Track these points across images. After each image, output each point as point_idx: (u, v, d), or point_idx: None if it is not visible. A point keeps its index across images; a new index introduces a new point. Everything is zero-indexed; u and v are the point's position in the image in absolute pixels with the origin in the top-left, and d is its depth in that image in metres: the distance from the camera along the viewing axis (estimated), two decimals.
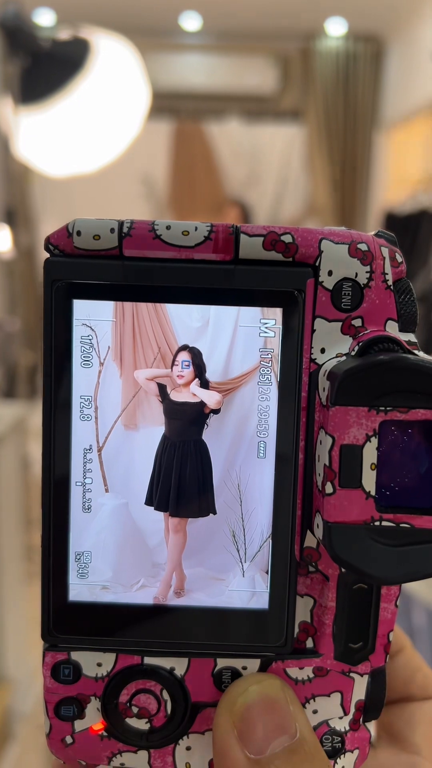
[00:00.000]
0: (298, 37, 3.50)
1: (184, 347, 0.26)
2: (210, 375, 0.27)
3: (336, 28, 3.46)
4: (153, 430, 0.27)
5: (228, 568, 0.27)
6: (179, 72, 3.59)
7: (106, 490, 0.27)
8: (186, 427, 0.27)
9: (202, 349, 0.26)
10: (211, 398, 0.27)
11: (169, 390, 0.27)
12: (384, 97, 3.58)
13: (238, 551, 0.27)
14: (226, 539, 0.27)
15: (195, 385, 0.27)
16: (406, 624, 1.32)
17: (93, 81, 1.33)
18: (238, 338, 0.26)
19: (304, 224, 3.37)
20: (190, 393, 0.27)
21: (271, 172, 3.72)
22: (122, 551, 0.27)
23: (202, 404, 0.27)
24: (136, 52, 1.40)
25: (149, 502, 0.27)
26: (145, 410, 0.27)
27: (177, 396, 0.27)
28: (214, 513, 0.27)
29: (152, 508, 0.27)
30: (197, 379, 0.27)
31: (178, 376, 0.27)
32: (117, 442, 0.27)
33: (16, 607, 1.54)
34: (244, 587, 0.27)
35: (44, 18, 3.12)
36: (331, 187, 3.64)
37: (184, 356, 0.27)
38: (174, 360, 0.27)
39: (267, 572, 0.27)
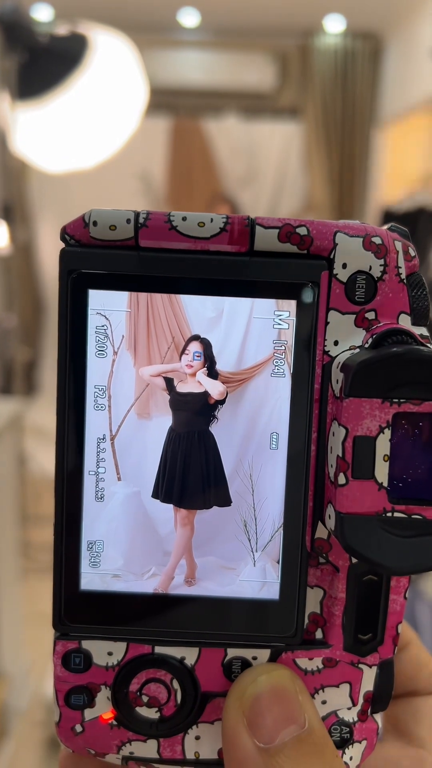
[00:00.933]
0: (296, 34, 3.49)
1: (196, 337, 0.27)
2: (223, 365, 0.27)
3: (334, 26, 3.46)
4: (166, 420, 0.28)
5: (239, 557, 0.27)
6: (177, 68, 3.58)
7: (119, 479, 0.27)
8: (190, 417, 0.27)
9: (215, 339, 0.27)
10: (214, 388, 0.27)
11: (176, 383, 0.27)
12: (382, 95, 3.58)
13: (250, 541, 0.27)
14: (238, 529, 0.27)
15: (201, 374, 0.27)
16: (409, 618, 1.32)
17: (91, 77, 1.33)
18: (252, 329, 0.27)
19: None
20: (196, 383, 0.27)
21: (269, 169, 3.72)
22: (134, 540, 0.28)
23: (205, 394, 0.27)
24: (134, 48, 1.40)
25: (156, 494, 0.27)
26: (158, 399, 0.27)
27: (183, 387, 0.27)
28: (228, 504, 0.27)
29: (159, 500, 0.28)
30: (204, 369, 0.27)
31: (187, 365, 0.27)
32: (130, 431, 0.27)
33: (13, 604, 1.54)
34: (255, 577, 0.27)
35: (42, 13, 3.11)
36: (328, 184, 3.64)
37: (195, 347, 0.27)
38: (184, 349, 0.27)
39: (278, 562, 0.27)
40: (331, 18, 3.39)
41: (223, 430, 0.27)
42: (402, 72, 3.32)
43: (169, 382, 0.27)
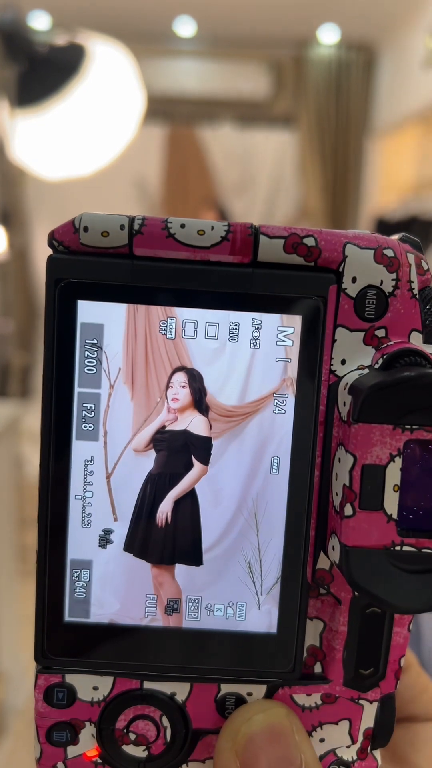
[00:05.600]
0: (291, 44, 3.53)
1: (181, 368, 0.25)
2: (226, 399, 0.25)
3: (329, 36, 3.49)
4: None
5: (243, 601, 0.26)
6: (173, 77, 3.61)
7: (115, 519, 0.25)
8: (167, 458, 0.25)
9: (219, 371, 0.25)
10: (198, 425, 0.25)
11: (167, 427, 0.25)
12: (375, 105, 3.61)
13: (254, 583, 0.25)
14: (242, 571, 0.25)
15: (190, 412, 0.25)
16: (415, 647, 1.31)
17: (88, 85, 1.35)
18: (256, 362, 0.25)
19: None
20: (184, 419, 0.25)
21: (263, 177, 3.74)
22: (131, 583, 0.26)
23: (185, 432, 0.25)
24: (131, 57, 1.41)
25: (128, 548, 0.25)
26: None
27: (169, 426, 0.25)
28: (199, 563, 0.25)
29: (132, 555, 0.25)
30: (195, 405, 0.25)
31: (172, 399, 0.25)
32: (127, 469, 0.25)
33: (10, 605, 1.56)
34: (260, 621, 0.26)
35: (40, 21, 3.14)
36: (322, 193, 3.67)
37: (180, 378, 0.25)
38: (168, 382, 0.25)
39: (277, 608, 0.26)
40: (326, 29, 3.43)
41: (226, 467, 0.25)
42: (395, 82, 3.35)
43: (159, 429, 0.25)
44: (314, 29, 3.44)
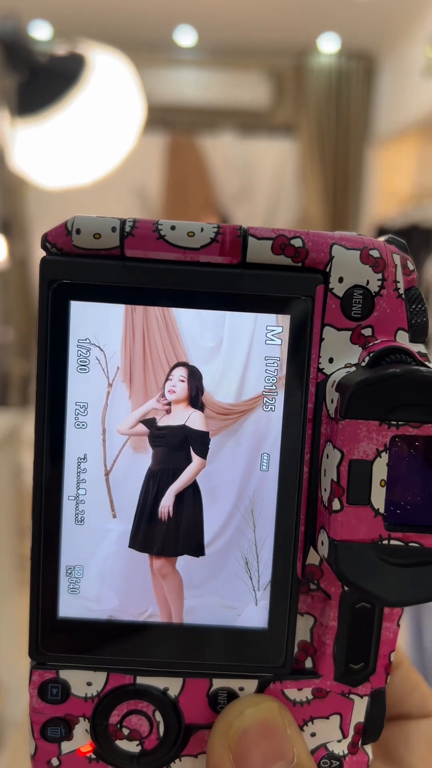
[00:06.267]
0: (291, 53, 3.54)
1: (183, 363, 0.25)
2: (222, 397, 0.25)
3: (329, 45, 3.51)
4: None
5: (240, 596, 0.26)
6: (174, 86, 3.62)
7: (114, 516, 0.26)
8: (167, 453, 0.25)
9: (215, 369, 0.25)
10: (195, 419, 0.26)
11: (158, 419, 0.25)
12: (375, 114, 3.62)
13: (251, 579, 0.26)
14: (239, 567, 0.26)
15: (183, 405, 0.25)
16: (415, 623, 1.30)
17: (89, 95, 1.35)
18: (246, 361, 0.25)
19: None
20: (177, 414, 0.25)
21: (263, 186, 3.75)
22: (129, 579, 0.26)
23: (184, 428, 0.25)
24: (132, 66, 1.42)
25: (132, 544, 0.26)
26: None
27: (164, 420, 0.25)
28: (201, 554, 0.26)
29: (136, 551, 0.26)
30: (190, 402, 0.25)
31: (169, 391, 0.25)
32: (125, 466, 0.25)
33: (8, 615, 1.55)
34: (257, 616, 0.26)
35: (41, 31, 3.15)
36: (322, 201, 3.67)
37: (180, 372, 0.25)
38: (168, 375, 0.25)
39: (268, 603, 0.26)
40: (326, 38, 3.44)
41: (222, 465, 0.26)
42: (395, 91, 3.36)
43: (150, 422, 0.25)
44: (314, 38, 3.45)
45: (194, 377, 0.25)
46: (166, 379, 0.25)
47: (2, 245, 1.82)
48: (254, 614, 0.26)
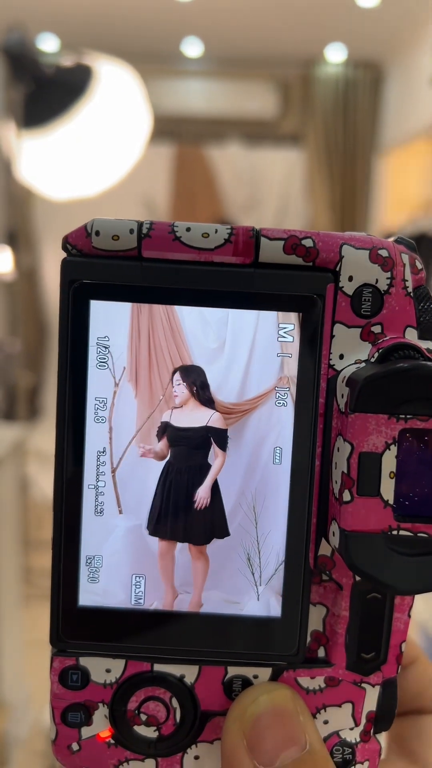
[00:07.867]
0: (298, 63, 3.54)
1: (178, 369, 0.26)
2: (225, 397, 0.26)
3: (336, 55, 3.51)
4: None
5: (243, 591, 0.27)
6: (181, 97, 3.63)
7: (120, 512, 0.27)
8: (190, 452, 0.27)
9: (218, 368, 0.26)
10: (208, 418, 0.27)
11: (171, 420, 0.27)
12: (383, 123, 3.62)
13: (253, 575, 0.27)
14: (241, 562, 0.27)
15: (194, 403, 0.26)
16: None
17: (95, 106, 1.35)
18: (255, 359, 0.26)
19: None
20: (191, 413, 0.26)
21: (271, 196, 3.75)
22: (147, 568, 0.27)
23: (206, 428, 0.26)
24: (138, 77, 1.42)
25: (155, 532, 0.27)
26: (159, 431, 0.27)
27: (180, 421, 0.26)
28: (227, 534, 0.27)
29: (157, 539, 0.27)
30: (196, 398, 0.26)
31: (174, 395, 0.26)
32: (131, 463, 0.27)
33: (13, 631, 1.53)
34: (259, 611, 0.27)
35: (48, 43, 3.16)
36: (330, 211, 3.67)
37: (177, 376, 0.26)
38: (171, 379, 0.26)
39: (281, 595, 0.27)
40: (333, 47, 3.44)
41: (230, 461, 0.27)
42: (402, 100, 3.36)
43: (163, 428, 0.27)
44: (321, 48, 3.46)
45: (189, 376, 0.26)
46: (170, 383, 0.26)
47: (8, 256, 1.82)
48: (256, 608, 0.27)
